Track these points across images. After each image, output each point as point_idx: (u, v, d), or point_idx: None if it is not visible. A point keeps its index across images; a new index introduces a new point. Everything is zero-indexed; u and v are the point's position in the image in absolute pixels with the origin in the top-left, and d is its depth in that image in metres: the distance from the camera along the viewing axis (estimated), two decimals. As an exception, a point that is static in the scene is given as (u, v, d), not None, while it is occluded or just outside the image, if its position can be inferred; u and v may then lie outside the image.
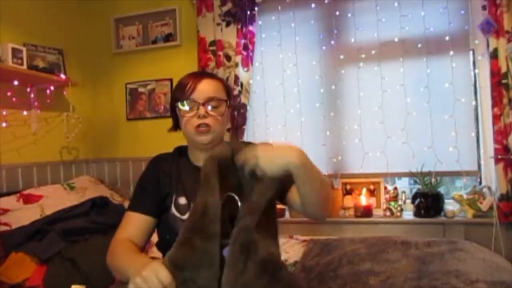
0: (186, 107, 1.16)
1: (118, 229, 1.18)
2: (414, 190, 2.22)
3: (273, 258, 0.91)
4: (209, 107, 1.14)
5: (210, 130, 1.15)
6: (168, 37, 2.63)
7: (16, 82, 2.17)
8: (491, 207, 1.99)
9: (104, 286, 1.62)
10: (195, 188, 1.19)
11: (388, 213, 2.19)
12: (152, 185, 1.20)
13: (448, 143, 2.12)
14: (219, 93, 1.18)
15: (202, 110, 1.13)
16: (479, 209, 2.02)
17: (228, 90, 1.24)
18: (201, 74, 1.22)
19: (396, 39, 2.20)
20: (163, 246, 1.16)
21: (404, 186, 2.50)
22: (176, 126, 1.26)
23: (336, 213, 2.28)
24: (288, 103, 2.40)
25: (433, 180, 2.12)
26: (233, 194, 0.97)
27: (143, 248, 1.19)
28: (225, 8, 2.38)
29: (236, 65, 2.35)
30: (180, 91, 1.17)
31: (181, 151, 1.28)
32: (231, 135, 2.37)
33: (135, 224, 1.16)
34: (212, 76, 1.23)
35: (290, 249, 1.89)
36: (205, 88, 1.15)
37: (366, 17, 2.26)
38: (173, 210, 1.14)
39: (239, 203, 0.95)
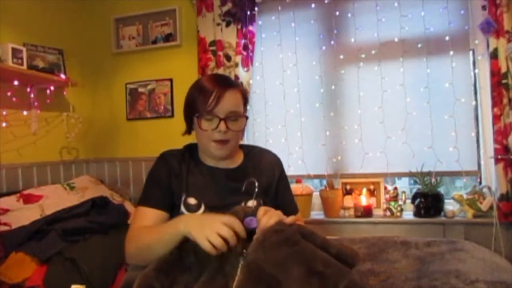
0: (207, 120, 1.14)
1: (132, 224, 1.15)
2: (414, 190, 2.22)
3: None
4: (229, 121, 1.14)
5: (227, 144, 1.16)
6: (168, 37, 2.63)
7: (16, 82, 2.17)
8: (491, 207, 1.99)
9: (104, 286, 1.62)
10: (205, 188, 1.18)
11: (388, 213, 2.19)
12: (164, 180, 1.18)
13: (448, 143, 2.12)
14: (239, 106, 1.17)
15: (222, 127, 1.12)
16: (479, 209, 2.02)
17: (246, 98, 1.22)
18: (224, 83, 1.17)
19: (396, 39, 2.20)
20: None
21: (404, 186, 2.50)
22: (190, 129, 1.24)
23: (336, 213, 2.28)
24: (288, 103, 2.39)
25: (433, 180, 2.12)
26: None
27: None
28: (225, 8, 2.38)
29: (236, 65, 2.35)
30: (201, 102, 1.13)
31: (191, 149, 1.27)
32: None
33: (150, 219, 1.13)
34: (233, 86, 1.18)
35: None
36: (227, 102, 1.13)
37: (366, 17, 2.26)
38: (183, 209, 1.14)
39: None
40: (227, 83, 1.17)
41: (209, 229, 0.89)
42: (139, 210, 1.16)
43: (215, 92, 1.12)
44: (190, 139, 1.26)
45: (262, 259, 0.87)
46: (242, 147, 1.34)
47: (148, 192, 1.19)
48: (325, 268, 0.86)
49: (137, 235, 1.08)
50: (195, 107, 1.15)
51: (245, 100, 1.22)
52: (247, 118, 1.20)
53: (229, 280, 0.87)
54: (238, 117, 1.16)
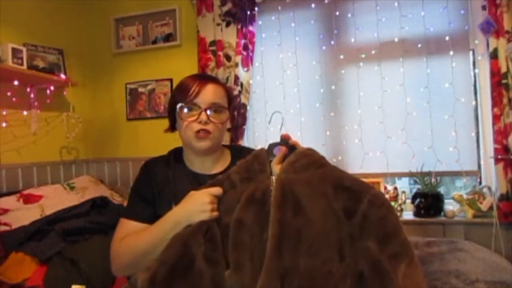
0: (188, 111, 1.13)
1: (116, 236, 1.12)
2: (414, 190, 2.21)
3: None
4: (211, 112, 1.12)
5: (209, 136, 1.13)
6: (168, 37, 2.63)
7: (16, 82, 2.17)
8: (491, 207, 1.99)
9: (104, 286, 1.62)
10: None
11: (388, 213, 2.18)
12: (147, 191, 1.16)
13: (448, 143, 2.12)
14: (221, 100, 1.16)
15: (204, 116, 1.11)
16: (479, 209, 2.02)
17: (229, 96, 1.21)
18: (205, 78, 1.19)
19: (396, 39, 2.20)
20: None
21: (404, 186, 2.50)
22: (173, 127, 1.24)
23: (336, 213, 2.27)
24: (288, 103, 2.39)
25: (433, 180, 2.12)
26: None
27: None
28: (225, 8, 2.38)
29: (236, 65, 2.35)
30: (182, 94, 1.14)
31: (176, 155, 1.24)
32: (231, 135, 2.37)
33: (133, 231, 1.09)
34: (215, 81, 1.20)
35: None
36: (209, 93, 1.13)
37: (366, 17, 2.26)
38: None
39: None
40: (210, 78, 1.20)
41: (199, 205, 0.96)
42: (122, 222, 1.13)
43: (197, 83, 1.14)
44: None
45: (293, 178, 0.96)
46: (231, 148, 1.30)
47: (131, 204, 1.17)
48: (351, 184, 0.97)
49: (126, 247, 1.05)
50: (177, 99, 1.16)
51: (229, 97, 1.21)
52: (229, 111, 1.19)
53: (267, 197, 0.95)
54: (221, 109, 1.15)
